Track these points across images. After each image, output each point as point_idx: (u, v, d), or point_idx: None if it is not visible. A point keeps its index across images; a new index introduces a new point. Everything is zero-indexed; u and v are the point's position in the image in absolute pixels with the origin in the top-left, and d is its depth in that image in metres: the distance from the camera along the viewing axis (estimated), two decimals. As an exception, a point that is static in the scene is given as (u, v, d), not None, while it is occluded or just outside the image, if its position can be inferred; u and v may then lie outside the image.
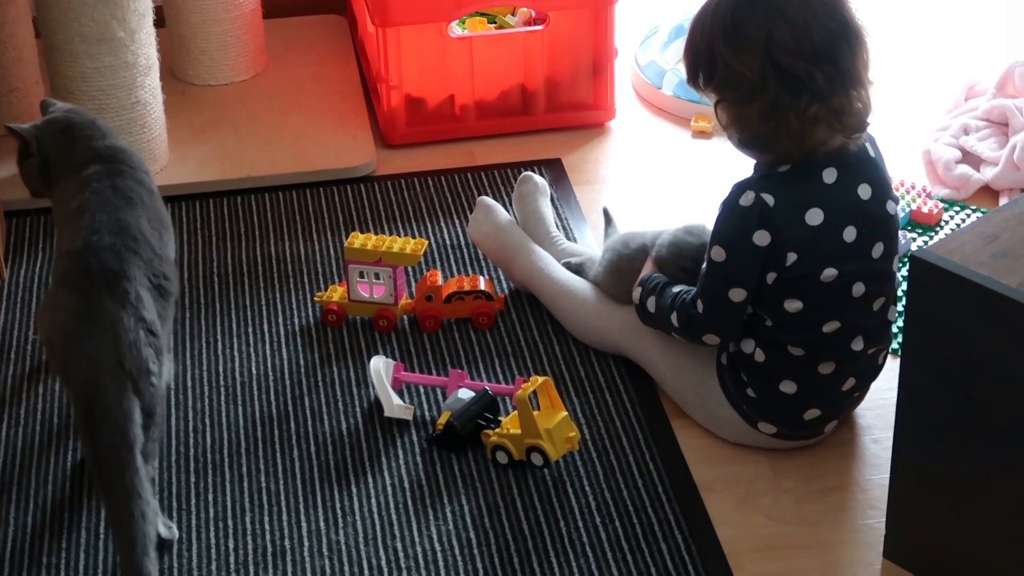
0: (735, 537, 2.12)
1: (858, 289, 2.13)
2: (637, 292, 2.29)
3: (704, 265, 2.16)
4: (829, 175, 2.11)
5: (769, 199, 2.08)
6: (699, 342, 2.22)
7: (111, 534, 2.09)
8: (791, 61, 2.04)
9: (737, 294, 2.13)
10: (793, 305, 2.13)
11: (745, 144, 2.14)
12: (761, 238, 2.08)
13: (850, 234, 2.11)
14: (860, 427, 2.31)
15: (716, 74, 2.10)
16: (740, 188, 2.12)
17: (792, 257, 2.09)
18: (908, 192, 2.87)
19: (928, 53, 3.42)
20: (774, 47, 2.04)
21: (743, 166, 2.22)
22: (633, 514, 2.14)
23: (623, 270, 2.40)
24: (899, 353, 2.39)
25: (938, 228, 2.79)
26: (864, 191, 2.13)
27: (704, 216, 2.77)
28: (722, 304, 2.14)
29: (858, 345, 2.18)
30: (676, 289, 2.23)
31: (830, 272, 2.11)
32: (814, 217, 2.09)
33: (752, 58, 2.05)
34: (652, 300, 2.26)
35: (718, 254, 2.13)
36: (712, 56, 2.09)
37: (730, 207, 2.12)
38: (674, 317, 2.21)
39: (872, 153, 2.17)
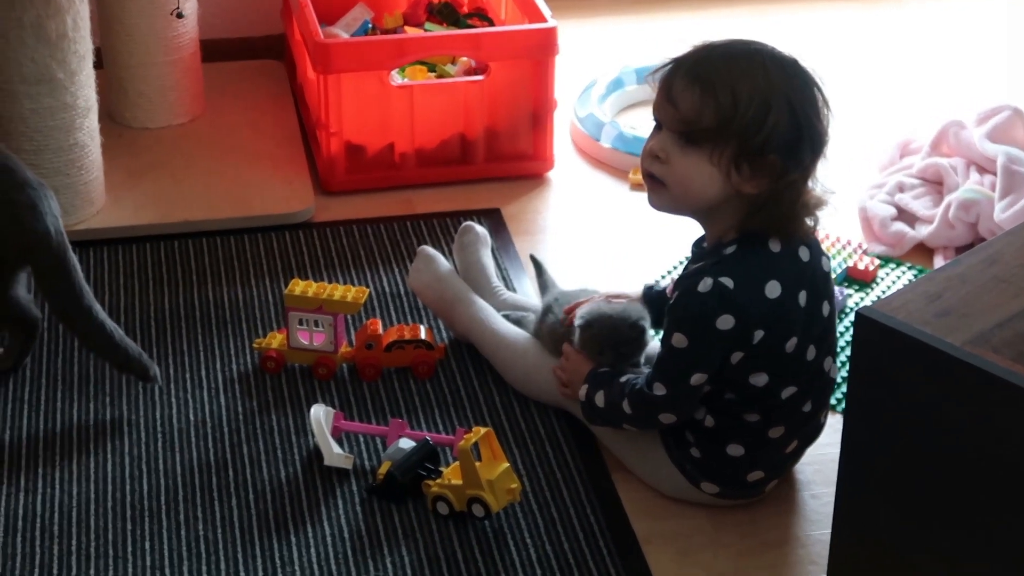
0: (676, 591, 2.13)
1: (810, 352, 2.15)
2: (584, 389, 2.28)
3: (661, 350, 2.15)
4: (775, 245, 2.12)
5: (728, 282, 2.07)
6: (653, 424, 2.21)
7: (102, 359, 2.46)
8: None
9: (698, 378, 2.12)
10: (759, 379, 2.13)
11: (707, 200, 2.12)
12: (725, 322, 2.07)
13: (803, 298, 2.12)
14: (799, 482, 2.32)
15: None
16: (695, 276, 2.10)
17: (759, 334, 2.09)
18: (844, 248, 2.90)
19: (865, 110, 3.46)
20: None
21: (680, 217, 2.23)
22: (574, 567, 2.14)
23: (556, 331, 2.41)
24: (838, 409, 2.42)
25: (873, 284, 2.82)
26: (804, 253, 2.15)
27: (638, 267, 2.81)
28: (683, 387, 2.13)
29: (807, 407, 2.19)
30: (624, 379, 2.23)
31: (792, 341, 2.12)
32: (773, 290, 2.09)
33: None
34: (601, 394, 2.25)
35: (679, 341, 2.10)
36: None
37: (688, 294, 2.09)
38: (626, 404, 2.20)
39: None
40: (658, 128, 2.13)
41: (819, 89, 2.10)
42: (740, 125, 2.04)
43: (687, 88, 2.07)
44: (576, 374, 2.31)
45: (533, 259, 2.68)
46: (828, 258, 2.21)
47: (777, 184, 2.09)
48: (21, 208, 2.34)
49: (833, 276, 2.76)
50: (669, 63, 2.12)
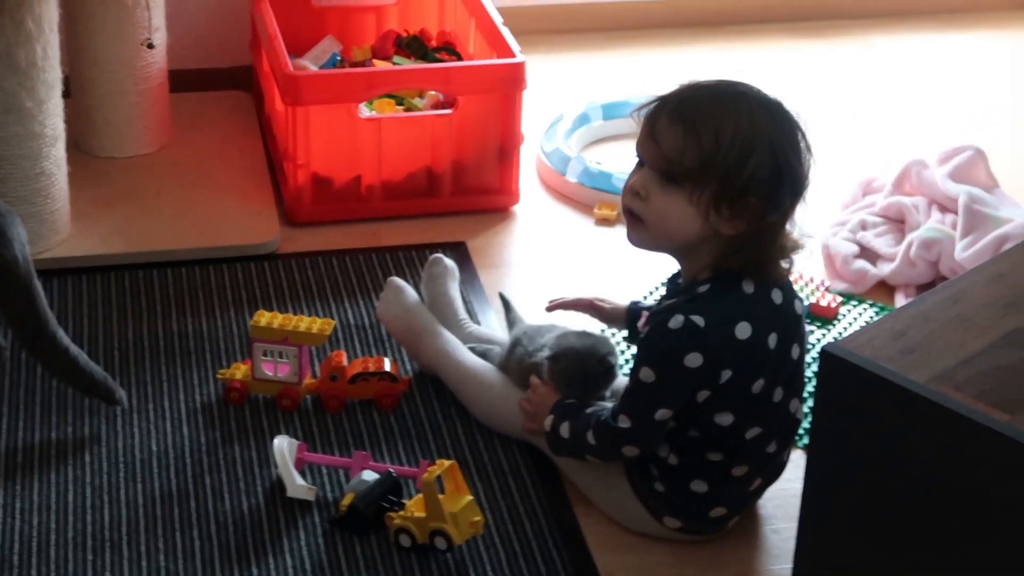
0: (638, 625, 2.13)
1: (777, 394, 2.16)
2: (549, 420, 2.28)
3: (629, 383, 2.16)
4: (748, 285, 2.13)
5: (699, 320, 2.08)
6: (616, 456, 2.21)
7: (67, 385, 2.47)
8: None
9: (663, 414, 2.12)
10: (724, 419, 2.13)
11: (685, 238, 2.13)
12: (693, 360, 2.08)
13: (772, 341, 2.13)
14: (761, 517, 2.33)
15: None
16: (667, 312, 2.10)
17: (727, 374, 2.10)
18: (807, 285, 2.92)
19: (828, 148, 3.48)
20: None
21: (645, 252, 2.24)
22: (536, 601, 2.14)
23: (524, 364, 2.42)
24: (800, 445, 2.43)
25: (835, 321, 2.83)
26: (777, 296, 2.16)
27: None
28: (648, 422, 2.14)
29: (772, 448, 2.20)
30: (590, 410, 2.24)
31: (760, 383, 2.13)
32: (743, 331, 2.10)
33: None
34: (567, 425, 2.25)
35: (647, 375, 2.11)
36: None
37: (658, 330, 2.10)
38: (590, 435, 2.20)
39: None
40: (640, 165, 2.14)
41: (802, 134, 2.11)
42: (721, 167, 2.05)
43: (670, 127, 2.08)
44: (542, 406, 2.31)
45: (502, 297, 2.69)
46: (802, 301, 2.22)
47: (755, 226, 2.10)
48: None
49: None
50: (654, 101, 2.13)
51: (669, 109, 2.10)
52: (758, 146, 2.06)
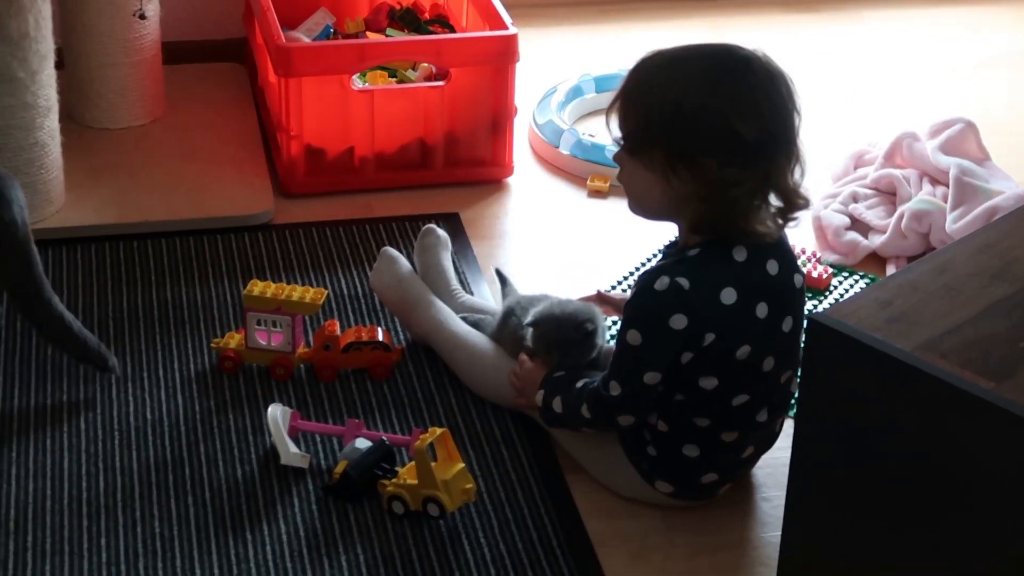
0: (628, 592, 2.15)
1: (768, 364, 2.17)
2: (540, 395, 2.30)
3: (616, 347, 2.18)
4: (739, 253, 2.14)
5: (684, 282, 2.10)
6: (612, 426, 2.22)
7: (61, 351, 2.49)
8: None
9: (652, 377, 2.14)
10: (708, 383, 2.15)
11: (657, 203, 2.16)
12: (678, 322, 2.09)
13: (762, 310, 2.14)
14: (752, 486, 2.35)
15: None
16: (653, 274, 2.13)
17: (710, 337, 2.11)
18: (798, 257, 2.93)
19: (821, 121, 3.50)
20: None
21: (637, 223, 2.29)
22: (528, 567, 2.16)
23: (517, 335, 2.43)
24: (790, 414, 2.44)
25: (827, 292, 2.85)
26: (772, 267, 2.17)
27: (595, 273, 2.83)
28: (637, 386, 2.15)
29: (762, 417, 2.22)
30: (581, 383, 2.25)
31: (744, 349, 2.13)
32: (728, 296, 2.11)
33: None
34: (559, 399, 2.27)
35: (633, 338, 2.13)
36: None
37: (644, 292, 2.12)
38: (584, 408, 2.22)
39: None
40: None
41: (760, 92, 2.09)
42: (655, 131, 2.10)
43: (616, 101, 2.15)
44: (530, 381, 2.33)
45: (498, 272, 2.69)
46: (802, 274, 2.23)
47: (716, 185, 2.10)
48: None
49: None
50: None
51: (620, 83, 2.16)
52: (688, 108, 2.07)
